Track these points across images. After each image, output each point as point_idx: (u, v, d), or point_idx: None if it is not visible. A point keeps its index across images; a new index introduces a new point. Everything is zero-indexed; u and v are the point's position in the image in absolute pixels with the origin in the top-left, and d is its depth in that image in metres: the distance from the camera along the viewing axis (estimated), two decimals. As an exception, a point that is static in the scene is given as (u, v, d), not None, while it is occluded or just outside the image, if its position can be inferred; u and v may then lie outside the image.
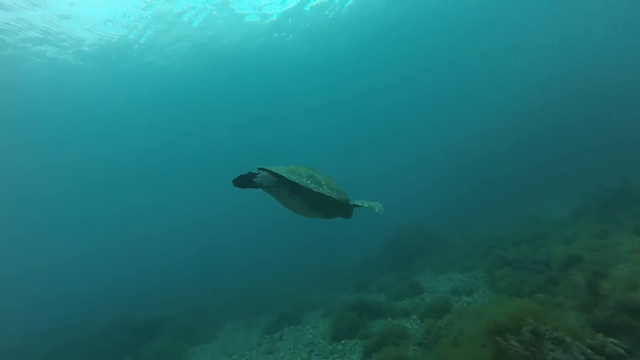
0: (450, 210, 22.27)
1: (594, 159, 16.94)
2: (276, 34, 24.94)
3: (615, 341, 2.58)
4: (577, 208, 10.06)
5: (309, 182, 2.61)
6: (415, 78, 34.16)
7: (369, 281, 13.40)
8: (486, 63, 31.30)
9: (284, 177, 2.54)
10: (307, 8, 22.55)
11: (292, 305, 12.66)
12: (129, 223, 42.98)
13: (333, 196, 2.71)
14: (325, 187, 2.71)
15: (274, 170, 2.57)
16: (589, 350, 2.45)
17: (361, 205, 3.08)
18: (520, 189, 19.64)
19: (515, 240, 9.16)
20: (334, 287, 15.86)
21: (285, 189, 2.63)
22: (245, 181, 2.53)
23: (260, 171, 2.62)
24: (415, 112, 40.89)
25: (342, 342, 6.53)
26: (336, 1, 22.35)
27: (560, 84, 26.97)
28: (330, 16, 23.83)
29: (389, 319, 7.10)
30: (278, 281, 20.09)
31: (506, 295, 5.81)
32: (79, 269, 33.09)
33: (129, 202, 43.38)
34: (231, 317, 14.10)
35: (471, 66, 31.87)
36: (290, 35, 25.33)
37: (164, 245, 38.02)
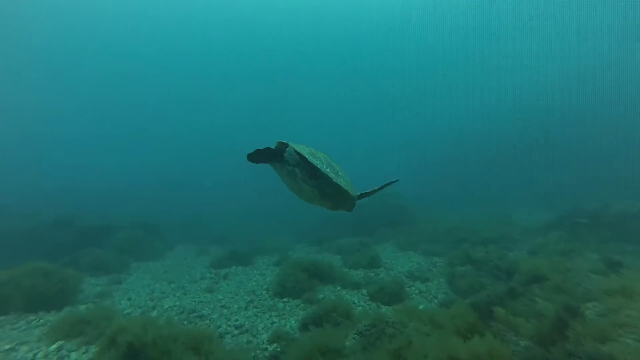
0: (431, 189, 22.30)
1: (586, 173, 16.82)
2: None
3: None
4: (551, 220, 9.92)
5: (328, 169, 2.39)
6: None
7: (329, 238, 13.27)
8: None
9: (305, 158, 2.29)
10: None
11: (248, 243, 12.49)
12: (111, 122, 41.29)
13: (348, 190, 2.51)
14: (341, 179, 2.48)
15: (296, 148, 2.32)
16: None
17: (370, 192, 2.84)
18: (506, 186, 19.67)
19: (484, 237, 9.03)
20: (294, 235, 15.81)
21: (302, 171, 2.37)
22: (261, 156, 2.36)
23: (285, 146, 2.36)
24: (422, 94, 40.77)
25: (284, 299, 6.29)
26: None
27: (564, 88, 26.41)
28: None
29: (339, 288, 6.89)
30: (241, 215, 19.97)
31: (462, 299, 5.63)
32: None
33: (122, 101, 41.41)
34: (184, 240, 13.90)
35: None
36: None
37: (135, 154, 37.15)
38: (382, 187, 2.80)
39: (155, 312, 5.67)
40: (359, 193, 2.79)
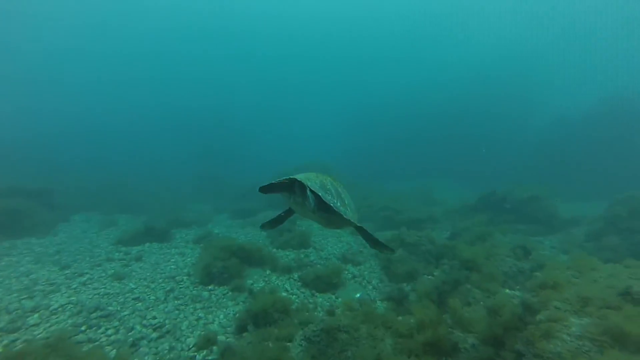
0: (360, 157, 22.82)
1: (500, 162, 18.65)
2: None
3: None
4: (470, 202, 10.71)
5: (339, 204, 2.42)
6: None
7: (254, 210, 12.64)
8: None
9: (321, 199, 2.30)
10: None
11: (164, 214, 11.19)
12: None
13: (353, 220, 2.56)
14: (349, 209, 2.54)
15: (308, 183, 2.30)
16: None
17: (371, 236, 2.90)
18: (430, 161, 21.06)
19: (412, 218, 9.37)
20: (214, 204, 14.80)
21: (314, 204, 2.35)
22: (273, 188, 2.41)
23: (303, 185, 2.33)
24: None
25: (209, 287, 5.59)
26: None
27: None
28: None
29: (268, 272, 6.41)
30: (160, 180, 18.04)
31: (395, 284, 5.61)
32: None
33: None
34: (84, 208, 11.91)
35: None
36: None
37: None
38: (377, 244, 2.84)
39: (36, 316, 4.33)
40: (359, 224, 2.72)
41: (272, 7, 41.23)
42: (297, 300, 5.23)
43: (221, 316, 4.65)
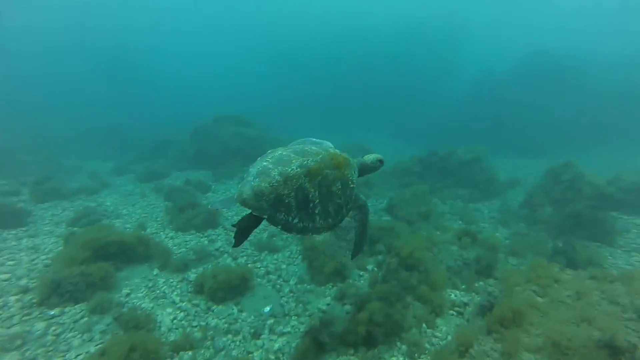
0: (287, 109, 21.11)
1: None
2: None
3: None
4: (407, 164, 9.78)
5: (296, 220, 1.94)
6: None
7: (162, 173, 10.69)
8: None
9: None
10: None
11: (32, 179, 8.68)
12: None
13: (316, 233, 2.06)
14: (318, 219, 2.02)
15: (259, 213, 1.86)
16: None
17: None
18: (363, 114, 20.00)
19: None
20: (121, 160, 12.36)
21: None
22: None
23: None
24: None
25: (51, 312, 3.87)
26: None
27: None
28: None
29: (155, 271, 4.84)
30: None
31: (319, 286, 4.33)
32: None
33: None
34: None
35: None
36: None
37: None
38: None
39: None
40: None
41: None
42: (178, 325, 3.76)
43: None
